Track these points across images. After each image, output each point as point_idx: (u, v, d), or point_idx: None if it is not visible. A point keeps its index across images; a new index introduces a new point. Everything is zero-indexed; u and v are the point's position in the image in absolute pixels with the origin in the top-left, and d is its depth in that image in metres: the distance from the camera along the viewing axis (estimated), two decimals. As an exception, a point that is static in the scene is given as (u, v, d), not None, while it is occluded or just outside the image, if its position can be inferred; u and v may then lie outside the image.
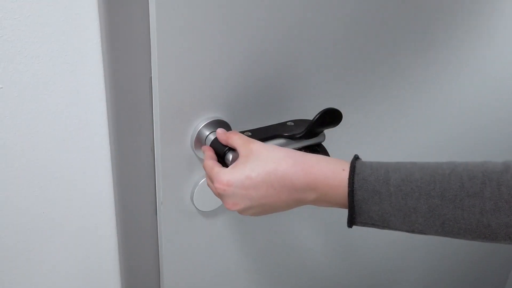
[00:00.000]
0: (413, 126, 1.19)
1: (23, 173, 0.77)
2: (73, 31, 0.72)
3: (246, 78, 0.84)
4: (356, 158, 0.67)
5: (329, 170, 0.65)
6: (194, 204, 0.90)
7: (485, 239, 0.59)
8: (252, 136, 0.79)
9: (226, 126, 0.85)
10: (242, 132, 0.80)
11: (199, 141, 0.83)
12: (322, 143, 0.85)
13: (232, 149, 0.77)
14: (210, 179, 0.74)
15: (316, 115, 0.76)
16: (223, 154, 0.77)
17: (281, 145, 0.80)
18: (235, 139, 0.75)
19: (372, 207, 0.63)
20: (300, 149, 0.82)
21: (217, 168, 0.72)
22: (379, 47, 0.99)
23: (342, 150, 1.04)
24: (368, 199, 0.63)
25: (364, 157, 1.12)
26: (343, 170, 0.65)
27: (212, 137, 0.82)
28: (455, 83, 1.20)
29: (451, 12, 1.06)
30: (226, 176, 0.69)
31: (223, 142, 0.77)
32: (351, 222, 0.66)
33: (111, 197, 0.87)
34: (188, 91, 0.79)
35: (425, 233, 0.63)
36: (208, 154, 0.78)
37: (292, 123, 0.85)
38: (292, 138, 0.81)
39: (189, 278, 0.99)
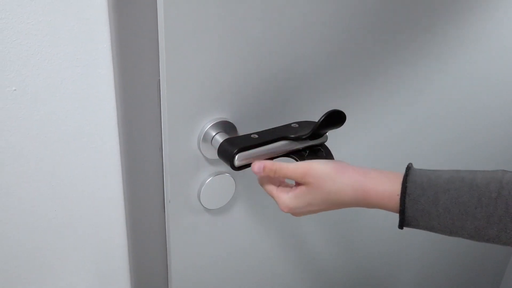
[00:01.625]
0: (413, 126, 1.19)
1: (35, 172, 0.77)
2: (84, 35, 0.72)
3: (252, 81, 0.84)
4: (407, 174, 0.68)
5: (385, 196, 0.69)
6: (201, 202, 0.89)
7: None
8: (258, 139, 0.79)
9: (232, 127, 0.85)
10: (249, 135, 0.80)
11: (205, 141, 0.83)
12: (325, 143, 0.85)
13: (241, 151, 0.76)
14: (274, 198, 0.79)
15: (322, 117, 0.76)
16: (232, 156, 0.76)
17: (286, 146, 0.80)
18: (285, 171, 0.75)
19: (421, 223, 0.67)
20: (304, 149, 0.82)
21: (280, 195, 0.77)
22: (379, 50, 0.99)
23: (344, 150, 1.04)
24: (418, 217, 0.66)
25: (365, 156, 1.12)
26: (397, 195, 0.67)
27: (218, 138, 0.81)
28: (456, 84, 1.19)
29: (451, 14, 1.05)
30: (291, 203, 0.75)
31: (272, 175, 0.77)
32: (401, 228, 0.70)
33: (120, 196, 0.87)
34: (195, 93, 0.79)
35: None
36: (264, 178, 0.80)
37: (297, 125, 0.84)
38: (297, 139, 0.81)
39: (196, 274, 0.99)
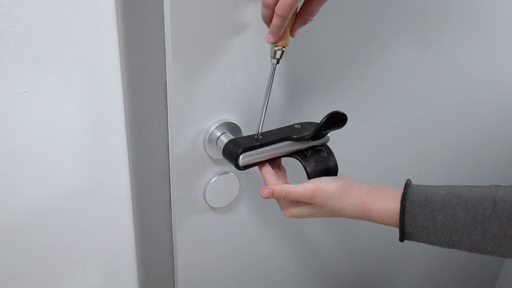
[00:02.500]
0: (412, 127, 1.18)
1: (45, 172, 0.77)
2: (93, 39, 0.71)
3: (255, 83, 0.83)
4: (405, 192, 0.69)
5: (385, 214, 0.70)
6: (206, 201, 0.89)
7: None
8: (262, 139, 0.78)
9: (237, 128, 0.84)
10: (253, 135, 0.80)
11: (211, 141, 0.83)
12: (327, 143, 0.85)
13: (245, 151, 0.76)
14: (278, 202, 0.80)
15: (323, 118, 0.75)
16: (236, 156, 0.76)
17: (289, 147, 0.80)
18: (294, 196, 0.75)
19: (420, 238, 0.69)
20: (306, 149, 0.82)
21: (286, 202, 0.78)
22: (381, 54, 0.98)
23: (345, 150, 1.03)
24: (416, 232, 0.68)
25: (366, 156, 1.11)
26: (397, 213, 0.69)
27: (223, 138, 0.81)
28: (454, 85, 1.18)
29: (449, 14, 1.05)
30: (295, 212, 0.77)
31: (281, 198, 0.76)
32: (401, 241, 0.72)
33: (128, 195, 0.87)
34: (200, 95, 0.78)
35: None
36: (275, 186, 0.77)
37: (300, 126, 0.84)
38: (299, 140, 0.80)
39: (201, 269, 0.99)
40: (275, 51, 0.73)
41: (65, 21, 0.68)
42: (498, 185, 0.65)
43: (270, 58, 0.74)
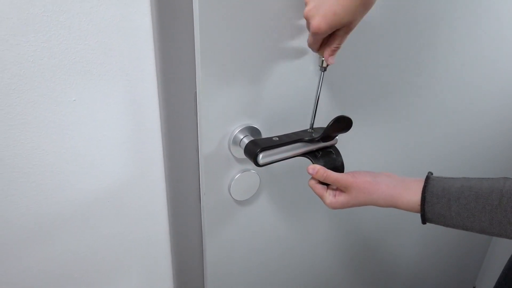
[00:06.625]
0: (412, 127, 1.15)
1: (91, 170, 0.77)
2: (133, 54, 0.71)
3: (274, 92, 0.82)
4: (425, 185, 0.71)
5: (410, 205, 0.72)
6: (231, 194, 0.88)
7: None
8: (278, 141, 0.77)
9: (257, 131, 0.82)
10: (271, 137, 0.78)
11: (235, 143, 0.81)
12: (335, 145, 0.83)
13: (263, 150, 0.75)
14: (320, 196, 0.81)
15: (331, 122, 0.74)
16: (255, 154, 0.74)
17: (302, 148, 0.78)
18: (332, 180, 0.77)
19: (438, 223, 0.71)
20: (317, 150, 0.81)
21: (329, 197, 0.79)
22: (384, 59, 0.96)
23: (351, 151, 1.01)
24: (435, 218, 0.71)
25: (369, 156, 1.09)
26: (418, 205, 0.71)
27: (245, 140, 0.80)
28: (455, 86, 1.15)
29: (450, 15, 1.02)
30: (336, 206, 0.78)
31: (321, 180, 0.77)
32: (424, 224, 0.74)
33: (163, 189, 0.87)
34: (226, 103, 0.77)
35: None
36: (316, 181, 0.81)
37: (312, 130, 0.82)
38: (311, 142, 0.78)
39: (226, 252, 0.98)
40: (322, 61, 0.74)
41: (108, 39, 0.68)
42: (506, 178, 0.67)
43: (318, 67, 0.76)
